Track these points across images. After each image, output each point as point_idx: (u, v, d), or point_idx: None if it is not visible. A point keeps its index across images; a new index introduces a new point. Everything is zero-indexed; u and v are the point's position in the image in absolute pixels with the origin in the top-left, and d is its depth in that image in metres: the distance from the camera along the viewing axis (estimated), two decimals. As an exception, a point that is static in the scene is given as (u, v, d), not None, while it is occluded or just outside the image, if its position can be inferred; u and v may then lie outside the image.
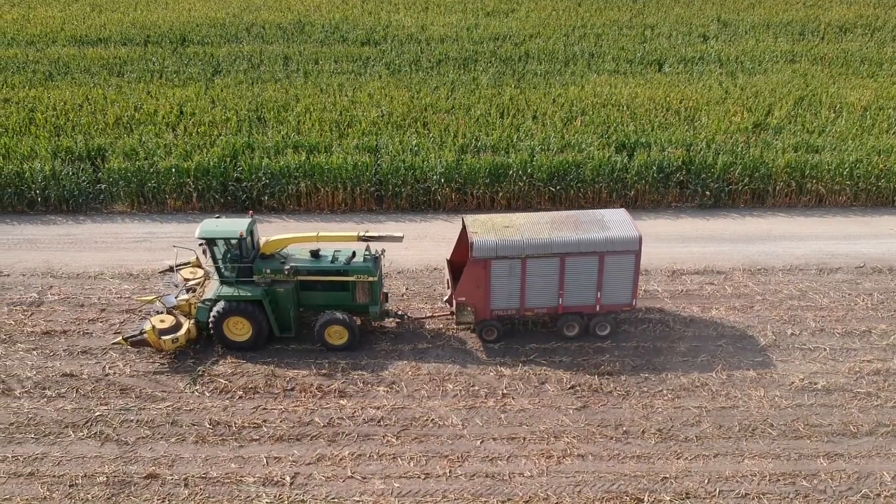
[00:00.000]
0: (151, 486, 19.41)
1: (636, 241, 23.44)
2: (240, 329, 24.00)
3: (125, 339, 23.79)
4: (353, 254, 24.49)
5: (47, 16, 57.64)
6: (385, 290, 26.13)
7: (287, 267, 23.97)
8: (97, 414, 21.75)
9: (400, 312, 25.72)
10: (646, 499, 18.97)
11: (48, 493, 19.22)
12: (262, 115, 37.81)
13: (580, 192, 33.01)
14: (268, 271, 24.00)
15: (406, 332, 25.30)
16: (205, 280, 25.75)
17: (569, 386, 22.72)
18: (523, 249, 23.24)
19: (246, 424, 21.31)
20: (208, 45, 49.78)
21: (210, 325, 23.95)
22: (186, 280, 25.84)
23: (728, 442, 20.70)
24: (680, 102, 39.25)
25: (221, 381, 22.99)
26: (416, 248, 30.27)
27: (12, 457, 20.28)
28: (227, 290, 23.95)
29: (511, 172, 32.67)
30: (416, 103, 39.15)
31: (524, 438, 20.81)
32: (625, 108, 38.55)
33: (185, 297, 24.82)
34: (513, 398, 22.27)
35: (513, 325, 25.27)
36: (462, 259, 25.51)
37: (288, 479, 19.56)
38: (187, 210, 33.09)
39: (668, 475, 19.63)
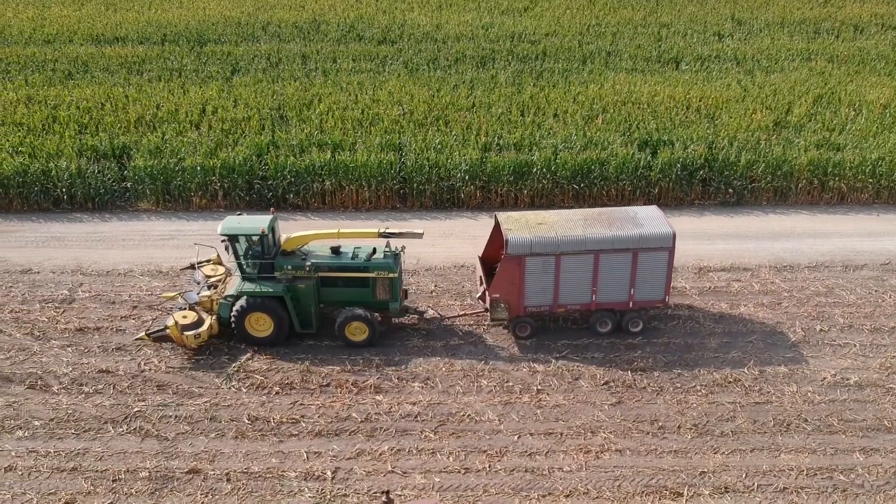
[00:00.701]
0: (194, 480, 19.58)
1: (670, 238, 23.60)
2: (261, 325, 24.20)
3: (148, 335, 24.02)
4: (374, 250, 24.68)
5: (62, 15, 57.76)
6: (405, 287, 26.29)
7: (308, 263, 24.17)
8: (135, 410, 21.92)
9: (420, 309, 25.90)
10: (685, 493, 19.13)
11: (92, 487, 19.39)
12: (284, 114, 37.95)
13: (603, 190, 33.15)
14: (289, 268, 24.21)
15: (437, 328, 25.46)
16: (226, 276, 25.96)
17: (602, 382, 22.89)
18: (558, 246, 23.39)
19: (284, 420, 21.48)
20: (225, 44, 49.90)
21: (232, 321, 24.16)
22: (208, 277, 26.03)
23: (764, 437, 20.85)
24: (700, 101, 39.37)
25: (257, 377, 23.17)
26: (443, 245, 30.45)
27: (54, 452, 20.46)
28: (249, 287, 24.18)
29: (535, 170, 32.82)
30: (437, 101, 39.28)
31: (561, 434, 20.97)
32: (645, 106, 38.68)
33: (207, 293, 25.01)
34: (547, 394, 22.44)
35: (544, 322, 25.41)
36: (494, 256, 25.68)
37: (329, 473, 19.73)
38: (213, 208, 33.22)
39: (706, 470, 19.79)
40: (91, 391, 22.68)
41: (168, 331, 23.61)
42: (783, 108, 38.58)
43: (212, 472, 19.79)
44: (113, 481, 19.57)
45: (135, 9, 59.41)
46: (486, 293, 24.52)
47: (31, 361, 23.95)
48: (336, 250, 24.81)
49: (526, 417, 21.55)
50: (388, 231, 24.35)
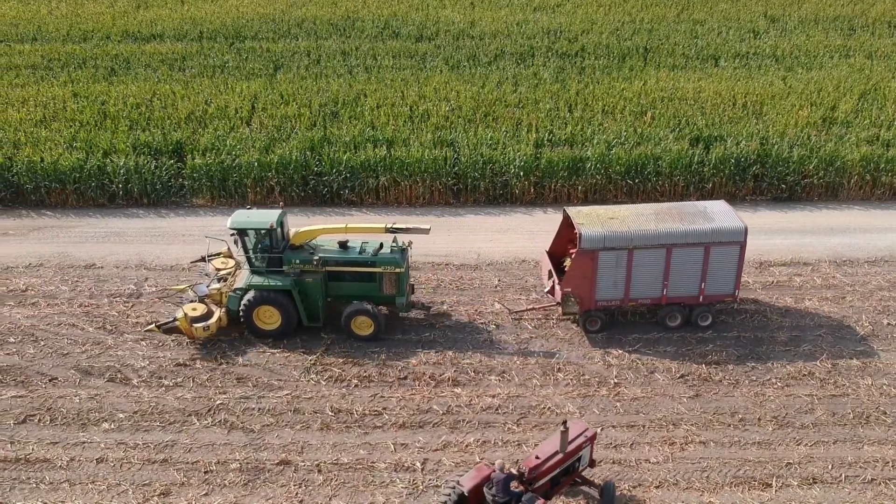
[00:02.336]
0: (285, 472, 19.82)
1: (742, 232, 23.76)
2: (269, 318, 24.56)
3: (158, 326, 24.38)
4: (381, 245, 24.96)
5: (97, 12, 57.91)
6: (411, 282, 26.49)
7: (316, 258, 24.46)
8: (218, 402, 22.17)
9: (427, 304, 26.19)
10: (774, 484, 19.32)
11: (185, 478, 19.64)
12: (336, 110, 38.10)
13: (657, 186, 33.31)
14: (297, 262, 24.57)
15: (506, 322, 25.65)
16: (235, 270, 26.24)
17: (678, 375, 23.07)
18: (631, 240, 23.56)
19: (367, 412, 21.72)
20: (263, 41, 50.06)
21: (241, 314, 24.48)
22: (218, 270, 26.32)
23: (844, 429, 21.03)
24: (745, 97, 39.46)
25: (335, 370, 23.40)
26: (501, 241, 30.65)
27: (143, 444, 20.73)
28: (258, 280, 24.54)
29: (589, 166, 32.98)
30: (483, 98, 39.43)
31: (643, 426, 21.18)
32: (692, 102, 38.80)
33: (217, 286, 25.33)
34: (625, 387, 22.64)
35: (613, 316, 25.56)
36: (561, 251, 25.88)
37: (418, 464, 19.96)
38: (268, 203, 33.37)
39: (791, 461, 19.98)
40: (171, 384, 22.94)
41: (177, 323, 23.97)
42: (829, 105, 38.64)
43: (302, 464, 20.04)
44: (205, 472, 19.82)
45: (168, 6, 59.55)
46: (557, 287, 24.70)
47: (107, 355, 24.21)
48: (344, 245, 25.11)
49: (606, 410, 21.76)
50: (395, 226, 24.62)
